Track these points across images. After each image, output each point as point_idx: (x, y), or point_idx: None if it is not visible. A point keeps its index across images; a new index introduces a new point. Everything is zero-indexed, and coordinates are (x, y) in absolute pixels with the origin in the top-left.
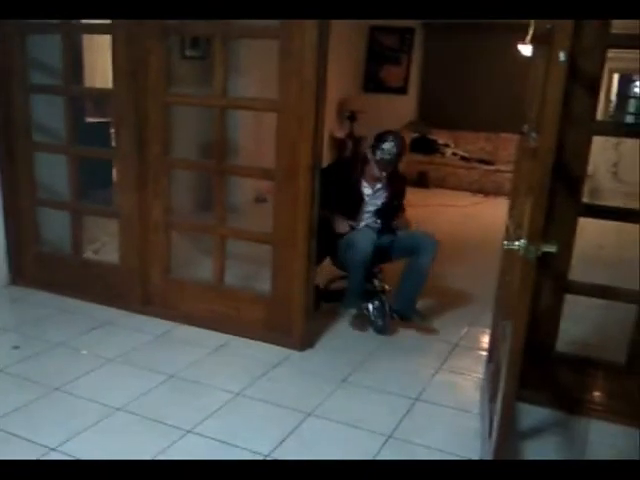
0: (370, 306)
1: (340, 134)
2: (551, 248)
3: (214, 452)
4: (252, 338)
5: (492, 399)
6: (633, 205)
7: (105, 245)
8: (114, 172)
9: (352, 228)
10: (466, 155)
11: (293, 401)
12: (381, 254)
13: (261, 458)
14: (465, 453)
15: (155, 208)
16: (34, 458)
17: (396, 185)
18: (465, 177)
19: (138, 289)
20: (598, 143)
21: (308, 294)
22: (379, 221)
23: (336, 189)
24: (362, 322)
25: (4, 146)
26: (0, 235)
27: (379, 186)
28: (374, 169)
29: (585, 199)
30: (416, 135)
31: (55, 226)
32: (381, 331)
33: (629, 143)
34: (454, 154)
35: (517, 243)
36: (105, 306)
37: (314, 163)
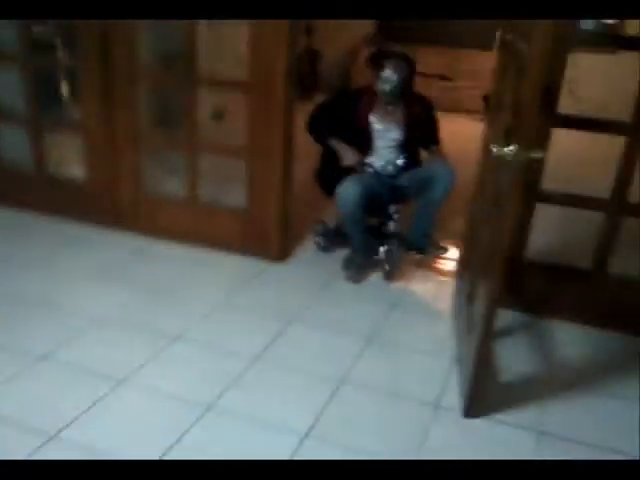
0: (381, 249)
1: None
2: (539, 154)
3: (203, 355)
4: (229, 251)
5: (469, 301)
6: None
7: (62, 162)
8: (63, 87)
9: (362, 164)
10: (424, 71)
11: (276, 308)
12: (399, 195)
13: (250, 360)
14: (441, 351)
15: (123, 120)
16: (24, 367)
17: (415, 112)
18: (423, 93)
19: (108, 205)
20: None
21: (285, 206)
22: (402, 156)
23: (341, 122)
24: (357, 272)
25: None
26: None
27: (391, 118)
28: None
29: None
30: (375, 49)
31: (13, 145)
32: (387, 277)
33: (586, 59)
34: None
35: (507, 149)
36: (75, 223)
37: (290, 70)
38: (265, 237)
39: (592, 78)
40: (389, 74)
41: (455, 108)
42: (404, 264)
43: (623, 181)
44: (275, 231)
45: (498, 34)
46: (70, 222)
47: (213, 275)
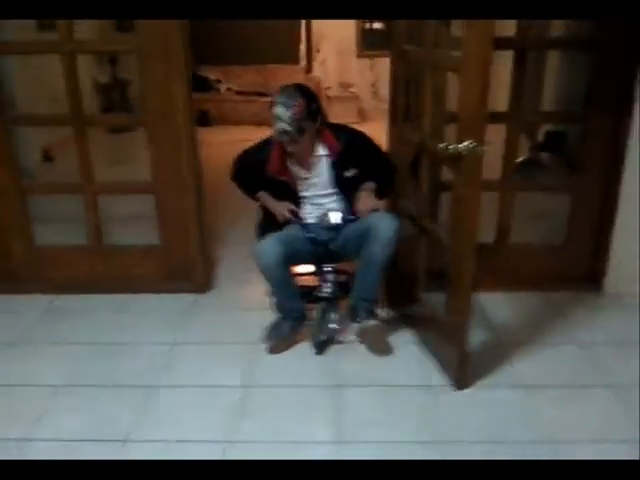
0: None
1: (104, 79)
2: (486, 146)
3: (201, 398)
4: (150, 292)
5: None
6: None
7: None
8: None
9: (295, 215)
10: (241, 89)
11: (233, 337)
12: (333, 253)
13: (239, 391)
14: (403, 345)
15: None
16: None
17: (335, 147)
18: (245, 111)
19: None
20: (357, 66)
21: (203, 235)
22: (342, 204)
23: (262, 174)
24: (280, 344)
25: None
26: None
27: (313, 160)
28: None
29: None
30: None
31: None
32: (316, 349)
33: (382, 63)
34: (229, 89)
35: (463, 146)
36: None
37: (188, 103)
38: (187, 271)
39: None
40: (279, 111)
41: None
42: (341, 333)
43: (510, 161)
44: (197, 263)
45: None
46: None
47: (147, 318)
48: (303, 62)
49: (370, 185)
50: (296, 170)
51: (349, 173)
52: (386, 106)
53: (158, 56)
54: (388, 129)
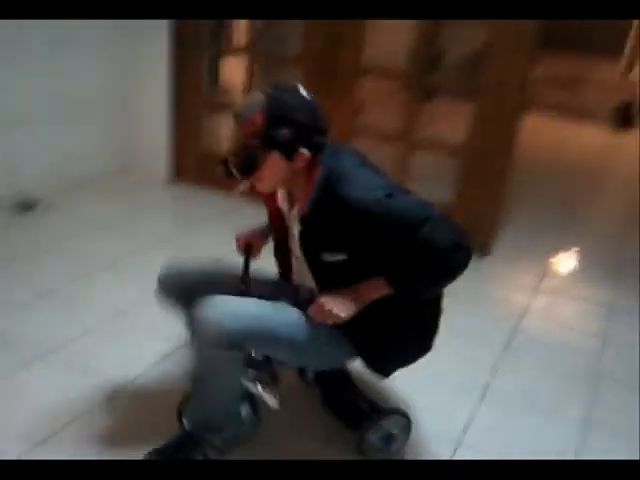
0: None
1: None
2: None
3: None
4: None
5: None
6: None
7: None
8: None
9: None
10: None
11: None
12: None
13: None
14: None
15: (339, 116)
16: None
17: (305, 208)
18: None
19: None
20: None
21: (498, 204)
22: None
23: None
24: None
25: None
26: (163, 133)
27: (296, 204)
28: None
29: None
30: None
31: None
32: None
33: None
34: None
35: None
36: None
37: (524, 79)
38: (472, 230)
39: None
40: (232, 126)
41: (581, 116)
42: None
43: None
44: (485, 228)
45: None
46: None
47: None
48: (625, 59)
49: (365, 286)
50: (283, 206)
51: (331, 257)
52: None
53: (507, 33)
54: None
